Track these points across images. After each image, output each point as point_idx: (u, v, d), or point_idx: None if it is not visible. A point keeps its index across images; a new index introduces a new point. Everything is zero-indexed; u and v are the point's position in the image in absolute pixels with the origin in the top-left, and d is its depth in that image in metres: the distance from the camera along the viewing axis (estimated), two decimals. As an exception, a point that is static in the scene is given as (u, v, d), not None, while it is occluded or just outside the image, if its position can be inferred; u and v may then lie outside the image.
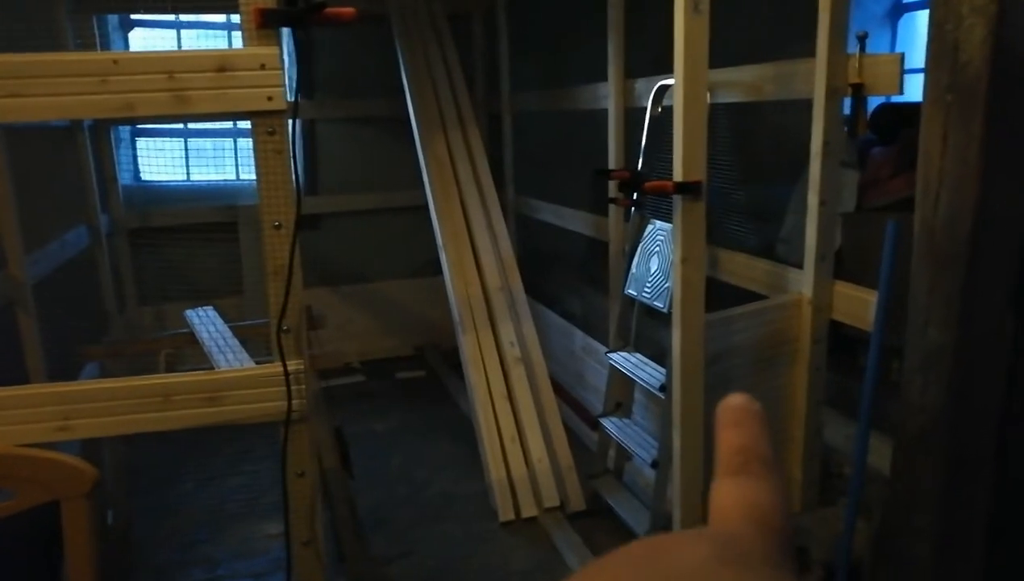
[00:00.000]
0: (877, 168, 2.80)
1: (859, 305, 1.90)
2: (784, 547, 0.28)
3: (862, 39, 1.84)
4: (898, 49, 3.73)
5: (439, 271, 3.31)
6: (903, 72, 1.74)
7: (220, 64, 1.40)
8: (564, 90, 3.53)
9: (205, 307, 2.88)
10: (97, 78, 1.36)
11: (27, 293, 2.53)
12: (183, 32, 4.40)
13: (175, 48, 4.34)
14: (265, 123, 1.45)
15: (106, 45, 4.04)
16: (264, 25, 1.40)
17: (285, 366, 1.40)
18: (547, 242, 4.08)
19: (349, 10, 1.44)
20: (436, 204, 3.35)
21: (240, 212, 4.17)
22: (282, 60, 1.44)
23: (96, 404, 1.28)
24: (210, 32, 4.46)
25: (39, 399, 1.28)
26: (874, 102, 2.41)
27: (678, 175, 1.71)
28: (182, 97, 1.40)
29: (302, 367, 1.44)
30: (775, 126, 2.44)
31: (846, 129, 1.90)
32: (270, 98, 1.43)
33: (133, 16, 4.21)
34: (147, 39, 4.39)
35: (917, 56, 3.21)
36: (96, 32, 3.79)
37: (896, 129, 2.84)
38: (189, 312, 2.82)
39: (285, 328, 1.47)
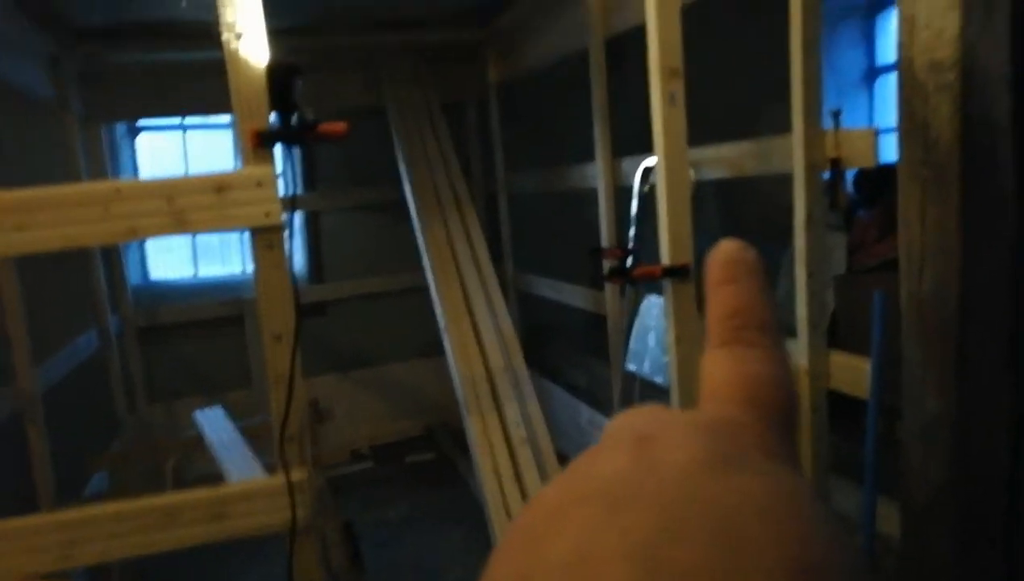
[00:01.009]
0: (863, 231, 2.85)
1: (856, 373, 1.91)
2: (786, 430, 0.24)
3: (836, 115, 1.90)
4: (876, 111, 3.84)
5: (441, 351, 3.34)
6: (878, 146, 1.80)
7: (218, 185, 1.47)
8: (556, 170, 3.62)
9: (214, 407, 2.90)
10: (101, 207, 1.42)
11: (37, 405, 2.56)
12: (188, 133, 4.56)
13: (180, 160, 4.49)
14: (264, 238, 1.51)
15: (114, 152, 4.19)
16: (260, 146, 1.47)
17: (288, 479, 1.41)
18: (548, 315, 4.11)
19: (341, 126, 1.51)
20: (437, 287, 3.40)
21: (246, 305, 4.23)
22: (275, 176, 1.50)
23: (100, 529, 1.29)
24: (215, 131, 4.61)
25: (42, 529, 1.29)
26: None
27: (666, 259, 1.74)
28: (183, 219, 1.46)
29: (306, 476, 1.46)
30: (760, 192, 2.50)
31: (828, 202, 1.94)
32: (267, 214, 1.49)
33: (139, 123, 4.38)
34: (154, 143, 4.56)
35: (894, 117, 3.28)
36: (104, 141, 3.94)
37: (878, 191, 2.90)
38: (197, 413, 2.84)
39: (288, 436, 1.48)
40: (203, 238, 4.61)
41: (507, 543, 0.22)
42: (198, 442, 2.31)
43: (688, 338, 1.77)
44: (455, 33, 4.11)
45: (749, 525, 0.19)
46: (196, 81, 3.69)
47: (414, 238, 3.74)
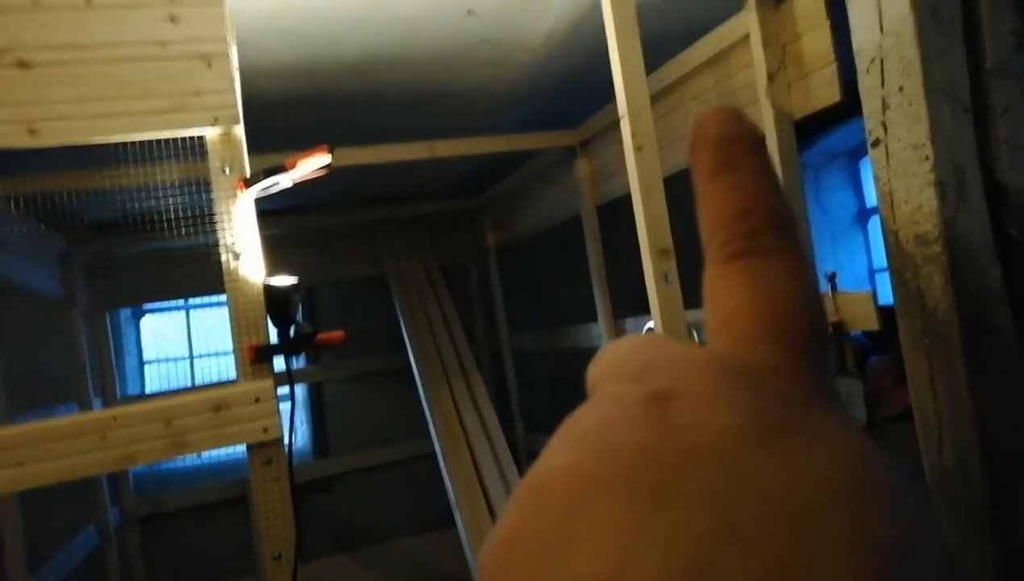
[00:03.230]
0: (878, 377, 2.79)
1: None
2: (824, 365, 0.19)
3: (831, 278, 1.91)
4: (873, 250, 3.90)
5: (454, 521, 3.20)
6: (878, 308, 1.79)
7: (216, 404, 1.44)
8: (559, 329, 3.63)
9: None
10: (97, 436, 1.39)
11: (29, 621, 2.42)
12: (192, 312, 4.62)
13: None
14: (262, 453, 1.46)
15: (118, 336, 4.23)
16: (257, 361, 1.46)
17: None
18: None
19: (338, 334, 1.51)
20: (446, 459, 3.32)
21: (250, 485, 4.11)
22: (274, 391, 1.48)
23: None
24: (217, 309, 4.68)
25: None
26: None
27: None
28: (180, 442, 1.42)
29: None
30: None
31: (836, 368, 1.91)
32: (266, 430, 1.46)
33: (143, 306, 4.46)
34: (158, 323, 4.61)
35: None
36: (109, 327, 3.99)
37: (889, 334, 2.87)
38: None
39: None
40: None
41: (515, 539, 0.16)
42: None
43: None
44: (452, 203, 4.26)
45: (824, 513, 0.15)
46: (198, 265, 3.78)
47: (420, 404, 3.69)
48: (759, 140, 0.21)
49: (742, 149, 0.20)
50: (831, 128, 2.74)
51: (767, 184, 0.20)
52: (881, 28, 1.50)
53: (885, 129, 1.51)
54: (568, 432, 0.18)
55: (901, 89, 1.47)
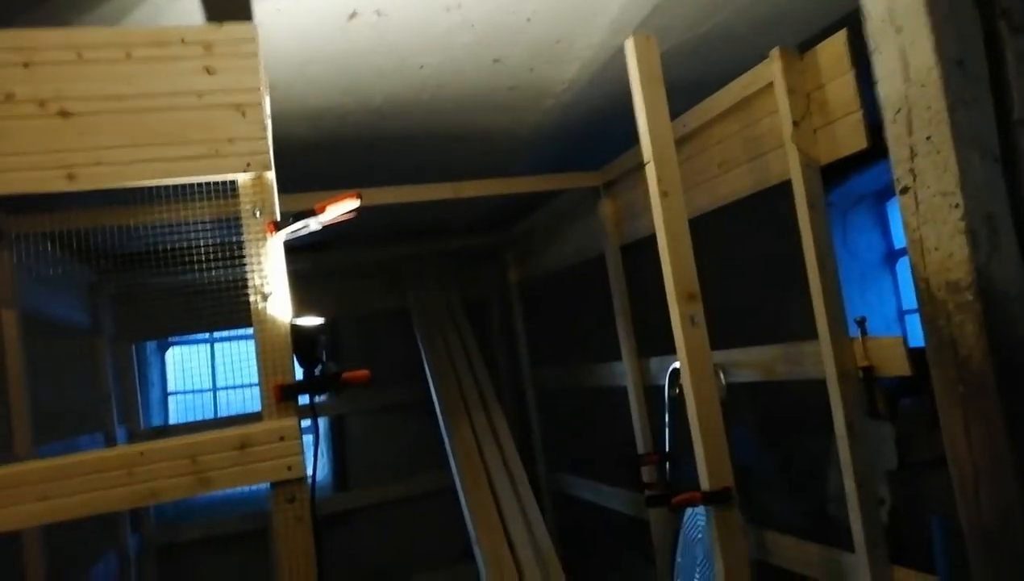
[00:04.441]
0: (912, 421, 2.74)
1: (927, 597, 1.75)
2: None
3: (861, 323, 1.89)
4: (902, 291, 3.85)
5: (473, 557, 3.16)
6: (909, 352, 1.77)
7: (241, 442, 1.45)
8: (583, 367, 3.61)
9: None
10: (124, 471, 1.40)
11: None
12: (217, 345, 4.67)
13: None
14: (285, 491, 1.47)
15: (144, 368, 4.28)
16: (283, 399, 1.47)
17: None
18: (586, 517, 3.92)
19: (364, 373, 1.52)
20: (466, 493, 3.29)
21: (270, 518, 4.10)
22: (299, 429, 1.48)
23: None
24: (242, 342, 4.72)
25: None
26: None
27: (705, 484, 1.67)
28: (204, 479, 1.43)
29: None
30: (794, 382, 2.43)
31: (867, 412, 1.88)
32: (290, 468, 1.46)
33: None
34: (183, 355, 4.66)
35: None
36: (135, 358, 4.04)
37: (921, 376, 2.82)
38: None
39: None
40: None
41: None
42: None
43: (739, 568, 1.65)
44: (476, 239, 4.28)
45: None
46: (222, 297, 3.83)
47: (440, 437, 3.67)
48: None
49: None
50: (857, 169, 2.74)
51: None
52: (907, 78, 1.51)
53: (914, 177, 1.51)
54: None
55: (929, 138, 1.47)
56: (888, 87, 1.50)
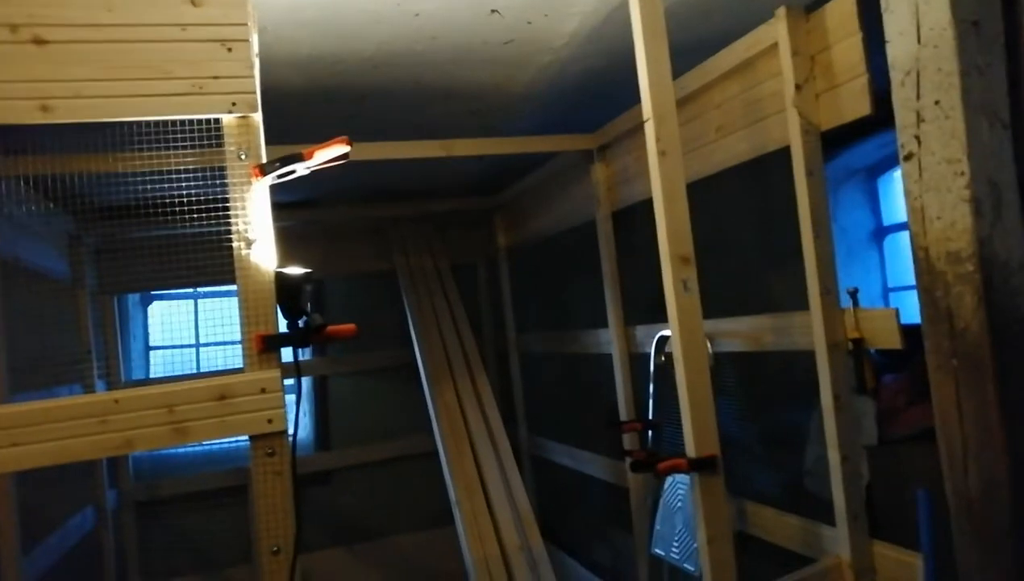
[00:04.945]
0: (892, 397, 2.74)
1: (903, 568, 1.76)
2: None
3: (853, 294, 1.87)
4: (888, 269, 3.85)
5: (453, 519, 3.17)
6: (901, 326, 1.75)
7: (221, 393, 1.41)
8: (568, 333, 3.59)
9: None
10: (97, 419, 1.36)
11: (20, 604, 2.39)
12: (200, 301, 4.60)
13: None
14: (265, 444, 1.43)
15: (125, 321, 4.22)
16: (265, 350, 1.43)
17: None
18: (565, 481, 3.94)
19: (350, 327, 1.48)
20: (448, 456, 3.28)
21: (249, 475, 4.08)
22: (281, 381, 1.45)
23: None
24: (226, 299, 4.66)
25: None
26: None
27: (691, 450, 1.65)
28: (181, 429, 1.39)
29: None
30: (782, 352, 2.42)
31: (854, 386, 1.87)
32: (270, 420, 1.43)
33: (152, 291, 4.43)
34: (166, 310, 4.59)
35: (909, 275, 3.24)
36: (116, 311, 3.97)
37: (903, 353, 2.82)
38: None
39: (285, 668, 1.34)
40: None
41: None
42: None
43: (721, 538, 1.64)
44: (464, 202, 4.23)
45: None
46: (207, 253, 3.76)
47: (423, 400, 3.65)
48: None
49: None
50: (849, 144, 2.70)
51: None
52: (919, 39, 1.47)
53: (919, 142, 1.47)
54: None
55: (937, 102, 1.43)
56: (898, 48, 1.46)
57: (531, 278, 4.17)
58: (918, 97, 1.44)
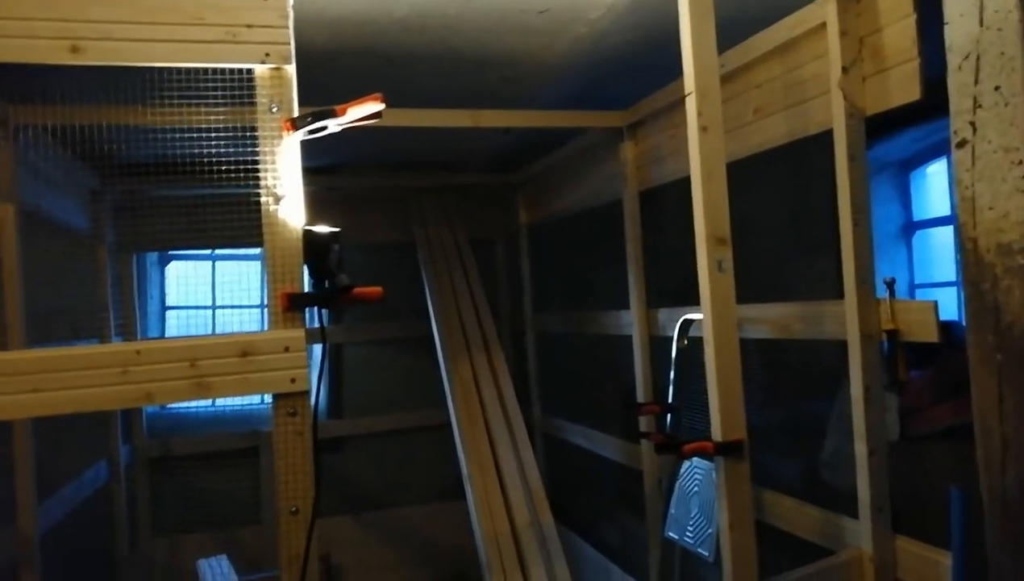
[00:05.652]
0: (917, 394, 2.69)
1: (926, 564, 1.72)
2: None
3: (890, 285, 1.82)
4: (915, 265, 3.78)
5: (464, 493, 3.16)
6: (939, 320, 1.70)
7: (243, 349, 1.39)
8: (587, 314, 3.55)
9: (219, 557, 2.73)
10: (119, 369, 1.34)
11: (35, 549, 2.41)
12: (219, 264, 4.59)
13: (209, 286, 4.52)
14: (287, 404, 1.42)
15: (143, 280, 4.22)
16: (290, 308, 1.41)
17: None
18: (577, 462, 3.92)
19: (376, 290, 1.45)
20: (461, 430, 3.27)
21: (262, 438, 4.10)
22: (304, 340, 1.43)
23: None
24: (244, 263, 4.65)
25: None
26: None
27: (717, 434, 1.62)
28: (203, 384, 1.37)
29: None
30: (809, 341, 2.38)
31: (885, 382, 1.83)
32: (293, 380, 1.41)
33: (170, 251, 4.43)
34: (184, 271, 4.59)
35: (937, 271, 3.16)
36: (135, 270, 3.97)
37: (930, 349, 2.77)
38: (202, 562, 2.68)
39: (297, 630, 1.33)
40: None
41: None
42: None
43: (743, 525, 1.61)
44: (487, 177, 4.18)
45: None
46: (228, 213, 3.74)
47: (439, 374, 3.64)
48: None
49: None
50: (883, 136, 2.63)
51: None
52: (981, 21, 1.40)
53: (974, 129, 1.42)
54: None
55: (997, 88, 1.37)
56: (957, 30, 1.40)
57: (551, 257, 4.13)
58: (976, 82, 1.38)
